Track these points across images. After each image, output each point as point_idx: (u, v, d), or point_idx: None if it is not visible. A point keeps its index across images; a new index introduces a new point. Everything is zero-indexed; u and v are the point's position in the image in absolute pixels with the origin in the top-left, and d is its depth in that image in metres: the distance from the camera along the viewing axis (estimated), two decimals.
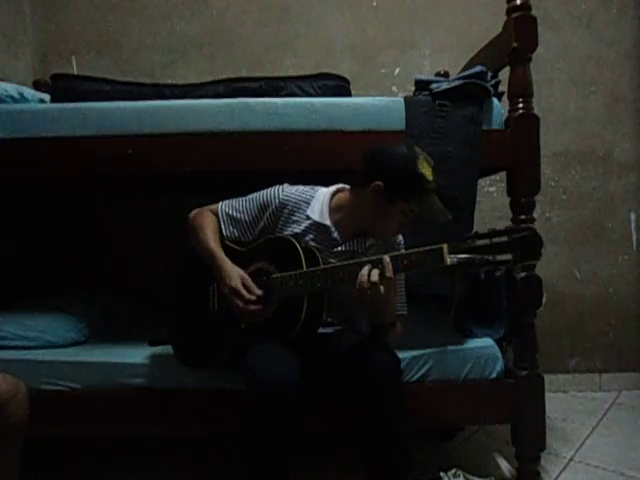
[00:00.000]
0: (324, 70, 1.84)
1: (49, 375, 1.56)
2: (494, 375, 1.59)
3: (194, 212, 1.49)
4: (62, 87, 1.74)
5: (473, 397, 1.58)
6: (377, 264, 1.21)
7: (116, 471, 1.80)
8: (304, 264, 1.30)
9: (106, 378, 1.56)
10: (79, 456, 1.89)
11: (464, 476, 1.59)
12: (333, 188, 1.47)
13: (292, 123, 1.56)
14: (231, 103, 1.59)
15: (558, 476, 1.73)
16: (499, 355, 1.61)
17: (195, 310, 1.50)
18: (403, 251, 1.35)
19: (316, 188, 1.47)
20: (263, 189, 1.46)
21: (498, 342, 1.66)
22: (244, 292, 1.31)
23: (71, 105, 1.60)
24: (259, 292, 1.33)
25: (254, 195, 1.45)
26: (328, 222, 1.40)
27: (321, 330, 1.42)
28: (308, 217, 1.41)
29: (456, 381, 1.58)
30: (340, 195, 1.45)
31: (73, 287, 2.22)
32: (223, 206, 1.48)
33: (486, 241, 1.12)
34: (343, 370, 1.34)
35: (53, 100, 1.74)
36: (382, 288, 1.20)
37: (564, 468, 1.78)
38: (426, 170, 1.31)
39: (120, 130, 1.56)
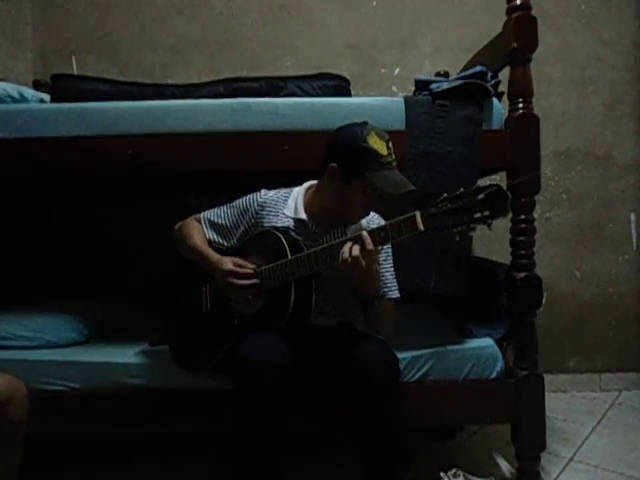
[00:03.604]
0: (324, 70, 1.84)
1: (49, 375, 1.56)
2: (494, 375, 1.59)
3: (179, 224, 1.54)
4: (62, 87, 1.74)
5: (473, 397, 1.59)
6: (357, 241, 1.25)
7: (116, 471, 1.80)
8: (289, 253, 1.33)
9: (106, 378, 1.56)
10: (79, 456, 1.89)
11: (464, 476, 1.59)
12: (307, 184, 1.51)
13: (292, 123, 1.56)
14: (231, 103, 1.59)
15: (558, 476, 1.73)
16: (499, 355, 1.61)
17: (189, 313, 1.53)
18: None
19: (292, 188, 1.51)
20: (265, 189, 1.50)
21: (498, 342, 1.66)
22: (237, 268, 1.36)
23: (71, 105, 1.59)
24: (251, 267, 1.37)
25: (235, 202, 1.51)
26: (304, 216, 1.43)
27: (319, 322, 1.44)
28: (286, 215, 1.45)
29: (456, 381, 1.58)
30: (311, 189, 1.49)
31: (73, 287, 2.22)
32: (205, 214, 1.53)
33: (457, 203, 1.15)
34: (340, 369, 1.34)
35: (53, 100, 1.74)
36: (364, 262, 1.22)
37: (564, 468, 1.78)
38: (377, 145, 1.31)
39: (120, 130, 1.56)
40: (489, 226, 1.15)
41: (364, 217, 1.44)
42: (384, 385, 1.28)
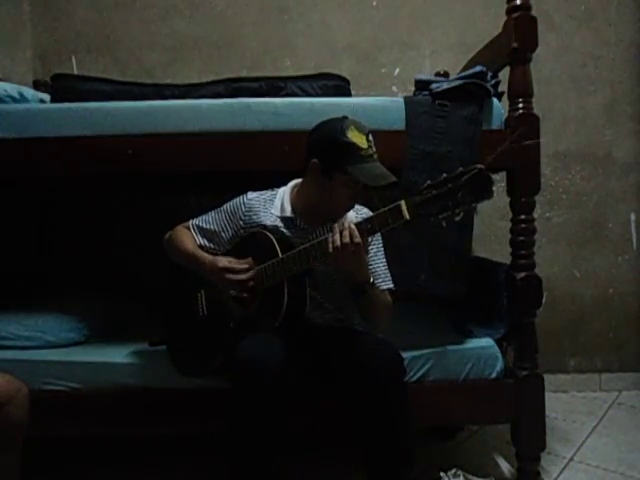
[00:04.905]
0: (324, 70, 1.84)
1: (49, 375, 1.56)
2: (494, 375, 1.59)
3: (168, 233, 1.54)
4: (62, 87, 1.74)
5: (473, 397, 1.59)
6: (344, 234, 1.24)
7: (115, 471, 1.80)
8: (279, 252, 1.33)
9: (106, 378, 1.57)
10: (79, 456, 1.89)
11: (464, 476, 1.59)
12: (292, 183, 1.52)
13: (292, 123, 1.56)
14: (231, 103, 1.59)
15: (558, 476, 1.73)
16: (499, 355, 1.61)
17: (185, 319, 1.53)
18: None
19: (278, 188, 1.51)
20: (265, 189, 1.50)
21: (498, 342, 1.66)
22: (232, 265, 1.36)
23: (71, 105, 1.59)
24: (245, 263, 1.37)
25: (222, 207, 1.51)
26: (290, 214, 1.44)
27: (316, 318, 1.44)
28: (273, 215, 1.45)
29: (456, 381, 1.58)
30: (297, 187, 1.49)
31: (73, 287, 2.22)
32: (194, 221, 1.53)
33: (441, 189, 1.15)
34: (344, 368, 1.34)
35: (53, 100, 1.74)
36: (352, 254, 1.23)
37: (564, 468, 1.78)
38: (357, 138, 1.31)
39: (120, 130, 1.56)
40: (475, 210, 1.16)
41: (350, 210, 1.44)
42: (390, 384, 1.27)
